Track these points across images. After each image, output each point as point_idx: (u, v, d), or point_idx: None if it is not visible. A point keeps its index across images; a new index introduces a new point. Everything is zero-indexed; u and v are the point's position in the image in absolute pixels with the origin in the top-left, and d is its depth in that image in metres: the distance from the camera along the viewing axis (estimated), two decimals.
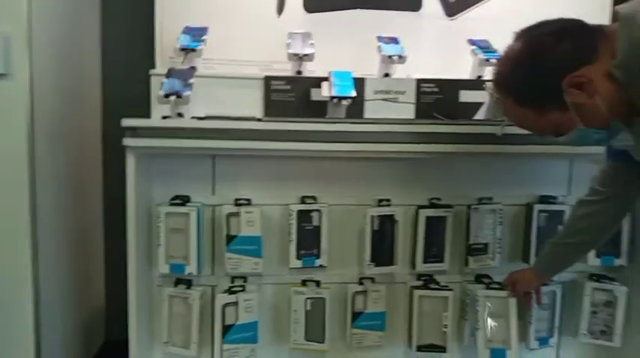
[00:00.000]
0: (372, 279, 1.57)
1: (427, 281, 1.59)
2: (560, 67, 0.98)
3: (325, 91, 1.50)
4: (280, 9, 1.82)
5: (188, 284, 1.50)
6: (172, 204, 1.47)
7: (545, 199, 1.63)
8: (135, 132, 1.36)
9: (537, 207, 1.61)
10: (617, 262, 1.64)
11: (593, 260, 1.62)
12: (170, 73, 1.42)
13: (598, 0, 1.93)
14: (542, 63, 1.00)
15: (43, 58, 1.46)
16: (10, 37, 1.34)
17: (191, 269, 1.46)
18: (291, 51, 1.59)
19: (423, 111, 1.60)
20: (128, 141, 1.36)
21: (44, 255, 1.49)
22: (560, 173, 1.66)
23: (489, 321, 1.54)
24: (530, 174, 1.64)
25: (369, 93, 1.60)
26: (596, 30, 1.00)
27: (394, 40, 1.68)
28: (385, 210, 1.54)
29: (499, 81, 1.11)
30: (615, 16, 0.98)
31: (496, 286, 1.57)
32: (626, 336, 1.63)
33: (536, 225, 1.61)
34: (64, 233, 1.69)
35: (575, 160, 1.64)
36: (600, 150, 1.31)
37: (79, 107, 1.84)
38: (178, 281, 1.50)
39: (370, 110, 1.60)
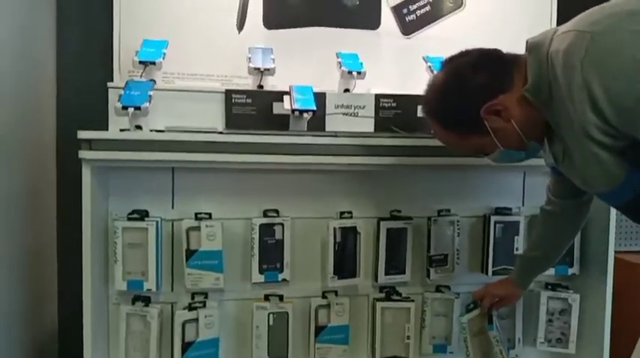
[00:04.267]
0: (335, 292, 1.57)
1: (389, 293, 1.60)
2: (478, 95, 1.07)
3: (287, 105, 1.52)
4: (241, 25, 1.84)
5: (146, 301, 1.45)
6: (130, 219, 1.43)
7: (500, 211, 1.68)
8: (91, 144, 1.33)
9: (494, 218, 1.66)
10: (571, 271, 1.70)
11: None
12: (128, 86, 1.40)
13: (543, 21, 2.05)
14: (462, 92, 1.09)
15: None
16: None
17: (150, 285, 1.42)
18: (252, 65, 1.60)
19: (382, 125, 1.63)
20: (84, 154, 1.32)
21: None
22: (514, 185, 1.72)
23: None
24: (486, 187, 1.69)
25: (329, 107, 1.62)
26: (512, 60, 1.08)
27: (354, 57, 1.72)
28: (347, 223, 1.55)
29: (425, 106, 1.20)
30: (526, 46, 1.06)
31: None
32: (581, 343, 1.68)
33: (492, 236, 1.65)
34: (15, 249, 1.61)
35: (528, 172, 1.71)
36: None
37: (33, 120, 1.78)
38: (136, 299, 1.45)
39: (331, 124, 1.62)
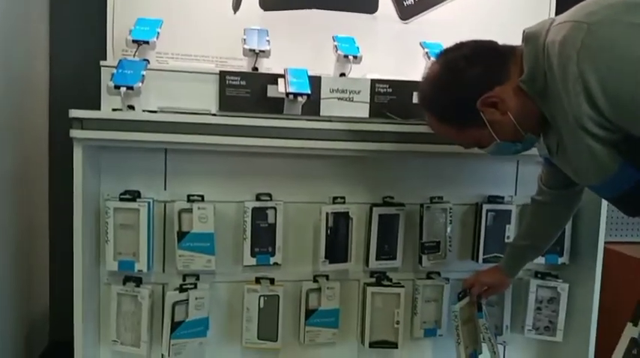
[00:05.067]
0: (327, 276, 1.58)
1: (380, 278, 1.61)
2: (473, 88, 1.06)
3: (281, 88, 1.50)
4: (237, 6, 1.82)
5: (137, 282, 1.45)
6: (122, 200, 1.43)
7: (493, 199, 1.68)
8: (83, 123, 1.31)
9: (486, 206, 1.67)
10: (561, 260, 1.71)
11: (537, 258, 1.68)
12: (121, 64, 1.38)
13: (542, 7, 2.03)
14: (458, 85, 1.08)
15: None
16: None
17: (141, 266, 1.42)
18: (247, 46, 1.58)
19: (377, 110, 1.62)
20: (75, 133, 1.31)
21: None
22: (507, 174, 1.72)
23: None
24: (480, 175, 1.69)
25: (324, 91, 1.61)
26: (508, 51, 1.07)
27: (350, 41, 1.70)
28: (340, 208, 1.55)
29: (421, 99, 1.20)
30: (523, 36, 1.05)
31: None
32: (568, 331, 1.70)
33: (484, 224, 1.66)
34: (7, 229, 1.61)
35: (521, 161, 1.71)
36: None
37: (26, 100, 1.77)
38: (127, 279, 1.45)
39: (326, 108, 1.61)
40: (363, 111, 1.63)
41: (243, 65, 1.69)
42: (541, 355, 1.80)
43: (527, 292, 1.70)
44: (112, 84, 1.33)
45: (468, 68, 1.06)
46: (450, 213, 1.64)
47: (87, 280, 1.39)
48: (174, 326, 1.43)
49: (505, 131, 1.09)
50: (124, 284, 1.45)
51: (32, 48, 1.84)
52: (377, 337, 1.61)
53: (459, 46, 1.11)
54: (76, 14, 1.93)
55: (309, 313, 1.56)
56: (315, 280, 1.58)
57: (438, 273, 1.67)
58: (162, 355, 1.47)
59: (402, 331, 1.61)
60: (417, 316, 1.64)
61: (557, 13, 1.25)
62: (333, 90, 1.62)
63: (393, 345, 1.60)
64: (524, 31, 1.05)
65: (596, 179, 1.02)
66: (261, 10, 1.84)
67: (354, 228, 1.57)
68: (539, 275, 1.71)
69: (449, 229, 1.64)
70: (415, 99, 1.67)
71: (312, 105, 1.57)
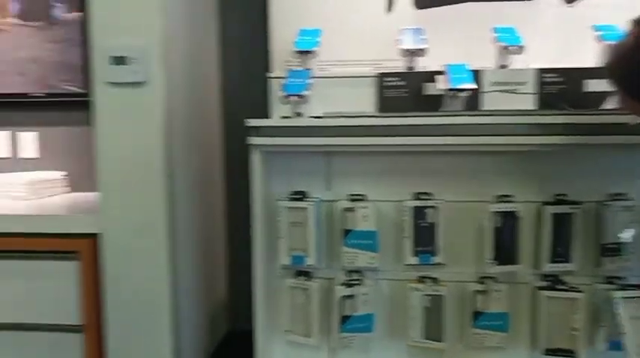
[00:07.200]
0: (494, 278, 1.52)
1: (554, 281, 1.50)
2: None
3: (442, 84, 1.49)
4: (389, 6, 1.84)
5: (307, 276, 1.55)
6: (292, 199, 1.53)
7: None
8: (258, 131, 1.44)
9: None
10: None
11: None
12: (290, 75, 1.48)
13: None
14: None
15: (174, 67, 1.61)
16: (148, 49, 1.49)
17: (311, 261, 1.51)
18: (403, 47, 1.59)
19: (547, 101, 1.52)
20: (253, 140, 1.44)
21: (180, 252, 1.64)
22: None
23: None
24: None
25: (485, 85, 1.55)
26: None
27: (511, 31, 1.62)
28: (506, 207, 1.48)
29: (609, 72, 1.09)
30: None
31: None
32: None
33: None
34: (193, 229, 1.82)
35: None
36: None
37: (203, 111, 1.99)
38: (298, 273, 1.55)
39: (488, 102, 1.55)
40: (529, 103, 1.54)
41: (397, 66, 1.70)
42: None
43: None
44: (283, 94, 1.44)
45: None
46: (635, 211, 1.47)
47: (264, 274, 1.52)
48: (343, 319, 1.49)
49: None
50: (296, 277, 1.55)
51: (206, 65, 2.06)
52: (552, 344, 1.50)
53: None
54: (241, 33, 2.12)
55: (476, 315, 1.52)
56: (481, 281, 1.53)
57: (619, 278, 1.50)
58: (332, 347, 1.54)
59: (582, 340, 1.48)
60: (599, 325, 1.50)
61: None
62: (494, 83, 1.56)
63: (571, 354, 1.48)
64: None
65: None
66: (414, 9, 1.84)
67: (522, 228, 1.49)
68: None
69: (634, 230, 1.47)
70: (588, 88, 1.55)
71: (471, 100, 1.53)
